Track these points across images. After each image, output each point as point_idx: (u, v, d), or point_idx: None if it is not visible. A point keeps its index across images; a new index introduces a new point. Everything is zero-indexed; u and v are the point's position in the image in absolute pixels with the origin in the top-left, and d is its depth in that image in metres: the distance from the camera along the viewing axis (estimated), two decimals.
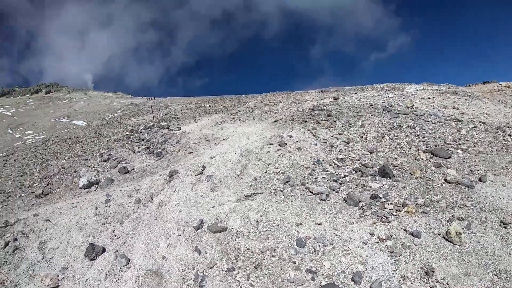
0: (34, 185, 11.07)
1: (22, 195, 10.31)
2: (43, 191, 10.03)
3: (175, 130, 14.05)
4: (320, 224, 6.08)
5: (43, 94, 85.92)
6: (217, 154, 9.45)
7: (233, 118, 16.41)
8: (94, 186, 9.66)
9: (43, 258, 6.45)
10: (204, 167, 8.62)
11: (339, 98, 16.52)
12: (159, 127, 15.10)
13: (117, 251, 6.39)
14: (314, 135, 10.69)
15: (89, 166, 11.75)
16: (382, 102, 14.73)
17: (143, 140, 13.71)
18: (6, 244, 6.68)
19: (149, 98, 54.86)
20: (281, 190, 7.45)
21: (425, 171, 8.09)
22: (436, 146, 9.43)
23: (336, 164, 8.71)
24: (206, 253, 5.80)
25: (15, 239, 6.82)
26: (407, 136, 10.24)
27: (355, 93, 19.14)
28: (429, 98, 15.17)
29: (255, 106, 19.25)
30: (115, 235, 6.82)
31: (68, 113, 47.75)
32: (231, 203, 7.04)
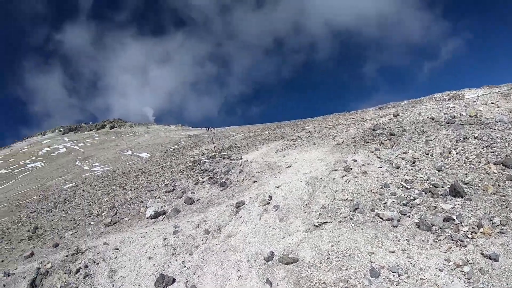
0: (103, 214, 11.92)
1: (91, 223, 11.15)
2: (111, 220, 10.76)
3: (236, 160, 14.44)
4: (393, 252, 5.86)
5: (108, 129, 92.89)
6: (282, 183, 9.54)
7: (294, 144, 16.44)
8: (161, 216, 10.16)
9: (113, 286, 6.82)
10: (270, 197, 8.73)
11: (398, 115, 15.95)
12: (220, 157, 15.64)
13: (187, 281, 6.60)
14: (378, 157, 10.39)
15: (155, 197, 12.40)
16: (444, 114, 13.95)
17: (206, 170, 14.24)
18: (77, 271, 7.21)
19: (208, 128, 56.24)
20: (350, 218, 7.29)
21: (498, 185, 7.49)
22: (506, 156, 8.68)
23: (405, 187, 8.37)
24: (277, 285, 5.82)
25: (86, 266, 7.34)
26: (474, 148, 9.55)
27: (414, 107, 18.36)
28: (492, 103, 14.09)
29: (314, 130, 19.18)
30: (185, 266, 7.06)
31: (132, 146, 50.97)
32: (300, 233, 7.01)
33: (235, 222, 8.31)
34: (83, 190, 18.89)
